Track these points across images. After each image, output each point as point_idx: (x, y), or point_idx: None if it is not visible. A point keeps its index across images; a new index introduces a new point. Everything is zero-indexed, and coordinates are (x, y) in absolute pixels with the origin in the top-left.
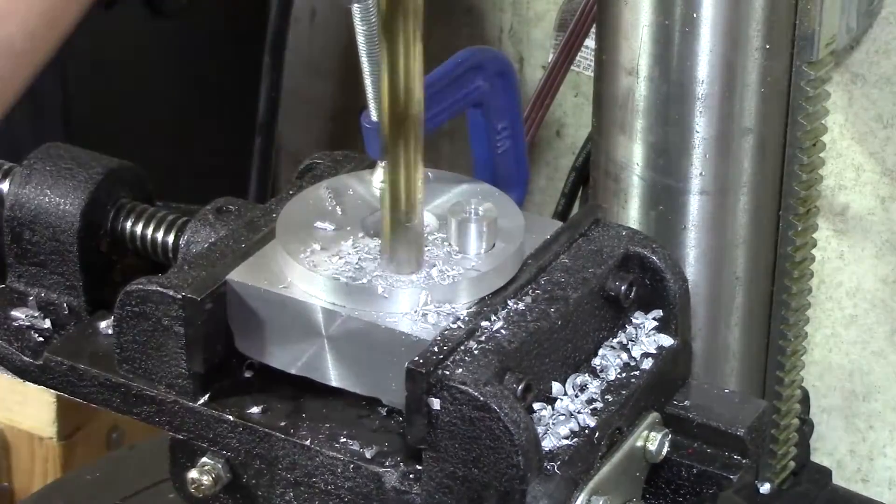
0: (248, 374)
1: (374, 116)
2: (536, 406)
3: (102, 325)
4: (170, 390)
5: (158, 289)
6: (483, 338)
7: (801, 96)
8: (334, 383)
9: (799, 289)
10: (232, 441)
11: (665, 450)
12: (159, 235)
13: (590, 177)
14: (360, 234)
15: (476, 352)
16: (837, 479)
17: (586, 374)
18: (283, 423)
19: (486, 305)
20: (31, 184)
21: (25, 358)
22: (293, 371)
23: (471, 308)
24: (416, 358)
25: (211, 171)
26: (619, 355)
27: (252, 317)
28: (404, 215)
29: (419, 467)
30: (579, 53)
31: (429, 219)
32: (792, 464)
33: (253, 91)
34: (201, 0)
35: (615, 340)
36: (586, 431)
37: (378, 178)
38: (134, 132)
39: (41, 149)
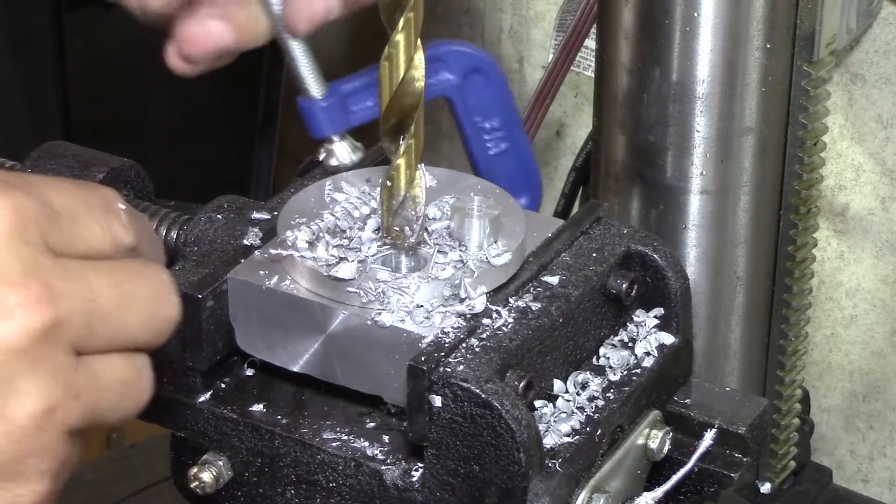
0: (249, 372)
1: (313, 92)
2: (538, 403)
3: None
4: (171, 388)
5: None
6: (484, 335)
7: (802, 96)
8: (336, 381)
9: (799, 288)
10: (233, 439)
11: (666, 448)
12: (161, 233)
13: (590, 177)
14: (362, 232)
15: (477, 349)
16: (837, 479)
17: (588, 372)
18: (284, 421)
19: (488, 303)
20: None
21: None
22: (295, 368)
23: (472, 305)
24: (418, 355)
25: (211, 171)
26: (620, 353)
27: (253, 314)
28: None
29: (420, 465)
30: (579, 53)
31: (431, 215)
32: (792, 463)
33: (253, 91)
34: None
35: (616, 338)
36: (588, 429)
37: (378, 174)
38: (134, 132)
39: (43, 147)
